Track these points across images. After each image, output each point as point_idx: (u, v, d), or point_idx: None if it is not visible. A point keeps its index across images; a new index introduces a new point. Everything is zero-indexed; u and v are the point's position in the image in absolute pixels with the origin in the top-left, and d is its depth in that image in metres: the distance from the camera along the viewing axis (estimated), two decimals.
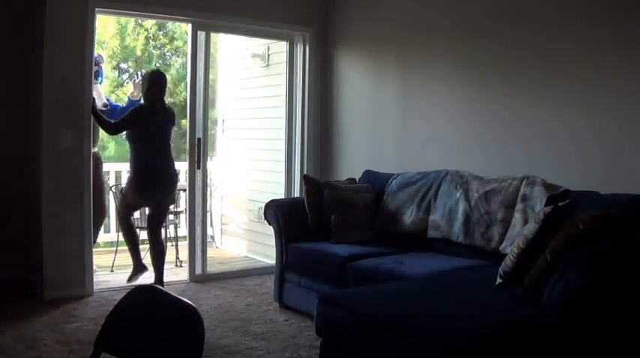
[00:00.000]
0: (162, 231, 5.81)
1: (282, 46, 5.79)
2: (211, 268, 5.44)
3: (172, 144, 4.90)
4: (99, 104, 4.89)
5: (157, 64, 10.36)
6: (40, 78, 4.46)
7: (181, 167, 5.90)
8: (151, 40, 9.91)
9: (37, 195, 4.54)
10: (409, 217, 4.30)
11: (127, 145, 5.01)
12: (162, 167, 4.76)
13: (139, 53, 9.94)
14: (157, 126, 4.74)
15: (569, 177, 3.60)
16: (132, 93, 5.38)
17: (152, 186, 4.75)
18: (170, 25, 9.39)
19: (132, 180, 4.82)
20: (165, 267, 5.09)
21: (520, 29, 4.02)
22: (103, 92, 5.32)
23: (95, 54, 4.86)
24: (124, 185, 5.18)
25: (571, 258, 2.68)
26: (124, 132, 4.88)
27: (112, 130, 4.86)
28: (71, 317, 4.10)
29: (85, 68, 4.53)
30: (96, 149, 5.04)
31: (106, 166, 7.45)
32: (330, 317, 2.94)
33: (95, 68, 4.87)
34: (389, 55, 5.13)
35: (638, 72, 3.43)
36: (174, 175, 4.91)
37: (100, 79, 5.18)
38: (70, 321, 4.00)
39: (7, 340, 3.61)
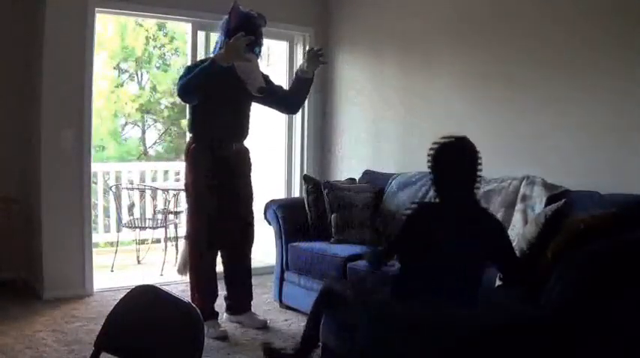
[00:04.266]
0: (163, 230, 5.84)
1: (282, 46, 5.78)
2: None
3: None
4: (252, 89, 3.70)
5: (157, 64, 10.34)
6: (39, 78, 4.45)
7: (180, 167, 5.89)
8: (150, 40, 9.90)
9: (36, 195, 4.54)
10: None
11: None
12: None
13: (139, 53, 9.94)
14: (443, 246, 2.63)
15: (569, 177, 3.59)
16: None
17: None
18: (170, 25, 9.38)
19: None
20: (166, 266, 5.10)
21: (522, 29, 4.02)
22: (258, 69, 3.70)
23: (247, 10, 3.67)
24: None
25: (571, 258, 2.68)
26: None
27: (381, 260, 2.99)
28: (71, 317, 4.10)
29: (84, 68, 4.52)
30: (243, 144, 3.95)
31: (106, 166, 7.53)
32: (330, 317, 2.94)
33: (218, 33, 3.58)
34: (389, 55, 5.12)
35: (638, 72, 3.43)
36: None
37: (257, 49, 3.70)
38: (70, 321, 4.00)
39: (7, 340, 3.60)
